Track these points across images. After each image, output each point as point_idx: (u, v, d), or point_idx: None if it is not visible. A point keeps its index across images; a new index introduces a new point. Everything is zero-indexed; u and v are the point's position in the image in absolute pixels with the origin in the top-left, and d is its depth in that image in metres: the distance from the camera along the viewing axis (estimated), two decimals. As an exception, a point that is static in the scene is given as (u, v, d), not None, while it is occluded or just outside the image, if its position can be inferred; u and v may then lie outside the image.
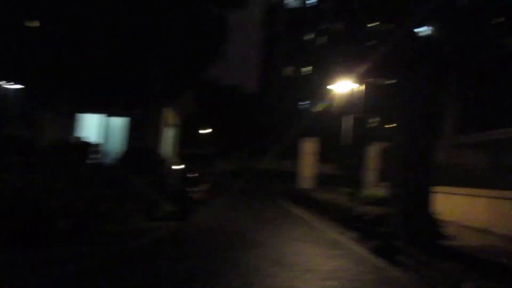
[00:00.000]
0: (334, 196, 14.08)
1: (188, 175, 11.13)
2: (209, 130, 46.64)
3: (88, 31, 10.23)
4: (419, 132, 8.74)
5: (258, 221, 11.13)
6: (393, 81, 12.32)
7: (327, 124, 41.87)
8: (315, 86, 52.52)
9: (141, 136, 11.40)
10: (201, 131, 48.94)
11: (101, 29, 10.28)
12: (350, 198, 12.77)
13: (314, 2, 60.32)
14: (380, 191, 16.41)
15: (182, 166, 12.95)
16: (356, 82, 12.73)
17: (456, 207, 11.67)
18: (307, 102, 56.72)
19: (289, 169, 30.80)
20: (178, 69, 11.75)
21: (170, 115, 14.03)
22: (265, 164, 42.35)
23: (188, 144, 45.19)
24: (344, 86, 13.05)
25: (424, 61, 8.98)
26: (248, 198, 18.07)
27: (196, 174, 12.73)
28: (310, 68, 57.80)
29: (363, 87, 12.31)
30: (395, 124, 9.35)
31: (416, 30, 9.49)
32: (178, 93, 12.52)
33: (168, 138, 15.78)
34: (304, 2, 61.11)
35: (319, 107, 35.13)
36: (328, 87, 12.93)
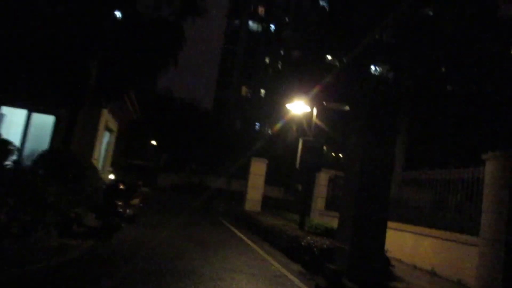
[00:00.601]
0: (281, 222, 13.04)
1: (121, 187, 9.63)
2: (155, 143, 44.77)
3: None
4: (376, 161, 7.91)
5: (196, 244, 9.81)
6: (345, 107, 11.66)
7: (280, 146, 41.48)
8: (269, 108, 52.37)
9: (68, 139, 9.84)
10: (150, 143, 46.95)
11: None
12: (298, 226, 11.76)
13: (274, 29, 60.98)
14: (328, 221, 15.69)
15: (113, 177, 11.40)
16: (308, 104, 11.90)
17: (404, 245, 11.05)
18: (261, 123, 56.41)
19: (238, 189, 29.65)
20: (122, 66, 10.38)
21: (108, 119, 12.50)
22: (214, 183, 40.89)
23: (131, 154, 43.05)
24: (298, 107, 12.16)
25: (377, 94, 8.32)
26: (190, 217, 16.63)
27: (132, 187, 11.16)
28: (264, 90, 57.94)
29: (314, 110, 11.47)
30: (346, 152, 8.56)
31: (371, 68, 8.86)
32: (119, 93, 11.10)
33: (104, 144, 14.16)
34: (264, 27, 61.44)
35: (274, 127, 34.54)
36: (286, 105, 11.99)
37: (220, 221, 16.30)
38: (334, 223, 15.04)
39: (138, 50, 11.02)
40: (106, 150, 14.22)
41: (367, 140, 7.88)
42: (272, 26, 61.32)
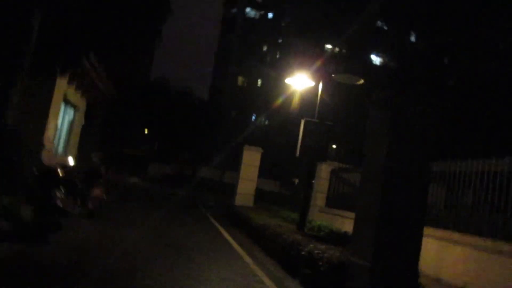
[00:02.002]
0: (276, 221, 10.69)
1: (62, 174, 7.24)
2: (148, 132, 42.27)
3: None
4: (407, 153, 5.59)
5: (167, 250, 7.49)
6: (359, 81, 9.25)
7: (276, 135, 39.05)
8: (266, 98, 49.88)
9: (1, 112, 7.44)
10: (142, 132, 44.44)
11: None
12: (296, 227, 9.41)
13: (272, 16, 58.34)
14: (330, 220, 13.35)
15: (72, 162, 8.99)
16: (312, 78, 9.50)
17: (425, 253, 8.72)
18: (257, 114, 53.95)
19: (231, 181, 27.33)
20: (80, 20, 7.96)
21: (68, 92, 10.06)
22: (207, 174, 38.53)
23: (121, 143, 40.58)
24: (300, 82, 9.75)
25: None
26: (172, 213, 14.24)
27: (92, 175, 8.78)
28: (261, 80, 55.40)
29: (320, 85, 9.09)
30: (366, 141, 6.20)
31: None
32: (75, 57, 8.66)
33: (66, 123, 11.70)
34: (262, 15, 58.79)
35: (276, 101, 31.94)
36: (286, 80, 9.58)
37: (206, 218, 13.95)
38: (337, 223, 12.74)
39: (103, 7, 8.58)
40: (69, 131, 11.78)
41: (396, 126, 5.54)
42: (270, 14, 58.64)
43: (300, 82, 9.99)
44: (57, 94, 9.44)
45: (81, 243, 6.83)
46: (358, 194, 6.45)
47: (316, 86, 9.87)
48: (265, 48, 58.04)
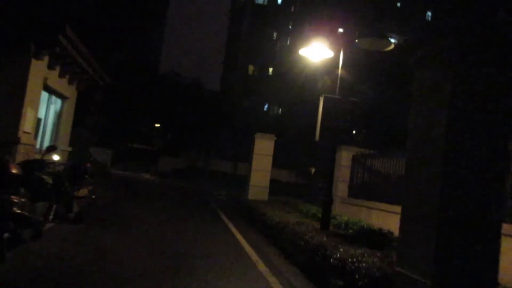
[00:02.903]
0: (295, 218, 9.13)
1: (13, 172, 5.80)
2: (159, 125, 40.95)
3: None
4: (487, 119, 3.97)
5: (170, 258, 6.02)
6: (390, 46, 7.56)
7: (290, 123, 37.31)
8: (278, 85, 48.13)
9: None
10: (153, 126, 43.23)
11: None
12: (320, 224, 7.83)
13: (280, 1, 56.33)
14: (354, 213, 11.77)
15: (57, 158, 7.55)
16: (331, 47, 7.87)
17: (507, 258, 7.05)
18: (269, 103, 52.29)
19: (244, 174, 25.88)
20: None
21: (49, 77, 8.59)
22: (219, 167, 37.09)
23: (131, 137, 39.46)
24: (317, 52, 8.11)
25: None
26: (178, 210, 12.79)
27: (78, 172, 7.33)
28: (272, 68, 53.60)
29: (340, 54, 7.46)
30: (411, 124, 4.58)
31: None
32: (51, 33, 7.17)
33: (52, 114, 10.25)
34: (271, 1, 56.79)
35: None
36: (300, 51, 7.93)
37: (216, 215, 12.45)
38: (363, 214, 11.14)
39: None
40: (57, 124, 10.34)
41: (458, 91, 3.92)
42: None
43: (316, 53, 8.35)
44: (35, 80, 7.98)
45: (46, 260, 5.37)
46: (403, 185, 4.85)
47: (336, 57, 8.24)
48: (275, 36, 56.10)
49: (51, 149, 7.11)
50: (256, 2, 56.96)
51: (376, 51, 8.08)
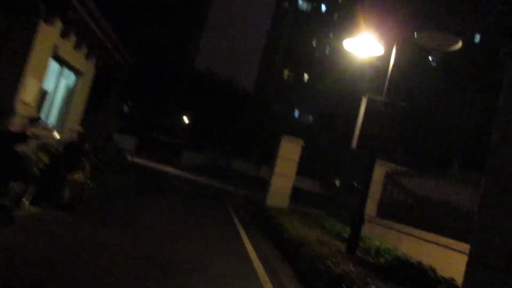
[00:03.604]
0: (316, 235, 7.84)
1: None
2: (187, 120, 40.25)
3: None
4: None
5: (159, 269, 4.91)
6: (457, 44, 6.18)
7: (319, 129, 35.76)
8: (311, 93, 46.73)
9: None
10: (181, 119, 42.62)
11: None
12: (346, 247, 6.51)
13: (325, 9, 54.90)
14: (383, 235, 10.37)
15: (57, 137, 6.59)
16: (382, 42, 6.57)
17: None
18: (301, 109, 50.93)
19: (266, 177, 24.67)
20: None
21: (60, 45, 7.64)
22: (242, 166, 36.02)
23: (157, 128, 38.89)
24: (364, 46, 6.83)
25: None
26: (189, 210, 11.68)
27: (71, 154, 6.31)
28: (307, 75, 52.23)
29: (393, 51, 6.15)
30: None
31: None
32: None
33: (62, 89, 9.31)
34: (314, 7, 55.43)
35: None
36: (345, 43, 6.66)
37: (229, 219, 11.27)
38: (392, 238, 9.71)
39: None
40: (68, 101, 9.39)
41: None
42: (323, 7, 55.23)
43: (363, 48, 7.06)
44: (42, 46, 7.03)
45: (16, 253, 4.30)
46: (475, 218, 3.51)
47: (386, 54, 6.92)
48: (314, 43, 54.72)
49: (34, 120, 6.10)
50: (299, 8, 55.77)
51: (438, 49, 6.72)
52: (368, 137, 6.48)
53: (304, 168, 19.30)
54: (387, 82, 6.62)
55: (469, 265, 3.40)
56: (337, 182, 36.33)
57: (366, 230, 11.96)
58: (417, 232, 9.16)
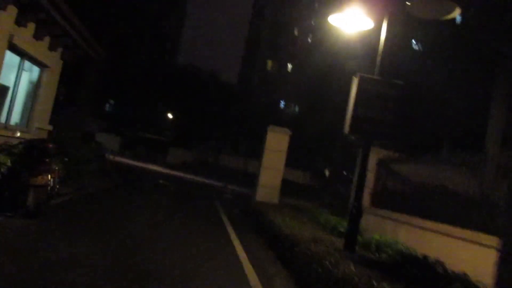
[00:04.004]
0: (311, 231, 7.21)
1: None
2: (171, 116, 39.26)
3: None
4: None
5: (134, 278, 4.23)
6: (455, 11, 5.55)
7: (305, 119, 35.13)
8: (296, 82, 46.08)
9: None
10: (165, 115, 41.65)
11: None
12: (344, 243, 5.88)
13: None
14: (379, 226, 9.82)
15: (17, 134, 5.83)
16: (370, 14, 5.93)
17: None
18: (286, 100, 50.30)
19: (255, 171, 24.00)
20: None
21: (18, 34, 6.81)
22: (230, 162, 35.30)
23: (141, 126, 37.89)
24: (352, 21, 6.17)
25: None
26: (172, 209, 10.95)
27: (35, 153, 5.53)
28: (291, 64, 51.57)
29: (383, 24, 5.51)
30: None
31: None
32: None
33: (26, 84, 8.45)
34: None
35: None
36: (331, 19, 5.95)
37: (217, 217, 10.57)
38: (388, 228, 9.21)
39: None
40: (33, 96, 8.55)
41: None
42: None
43: (351, 22, 6.38)
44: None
45: None
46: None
47: (376, 28, 6.27)
48: (296, 32, 53.96)
49: None
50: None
51: (434, 19, 6.09)
52: (362, 120, 5.83)
53: (293, 159, 18.70)
54: (378, 58, 5.96)
55: (500, 261, 2.78)
56: (327, 172, 35.87)
57: (363, 221, 11.46)
58: (416, 220, 8.62)
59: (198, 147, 36.66)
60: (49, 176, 6.06)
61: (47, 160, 6.02)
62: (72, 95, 10.35)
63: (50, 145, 6.14)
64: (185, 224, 8.72)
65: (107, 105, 44.22)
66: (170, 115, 39.81)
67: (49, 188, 6.10)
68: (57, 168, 6.57)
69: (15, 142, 6.56)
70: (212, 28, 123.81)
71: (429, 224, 8.06)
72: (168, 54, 47.52)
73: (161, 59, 42.38)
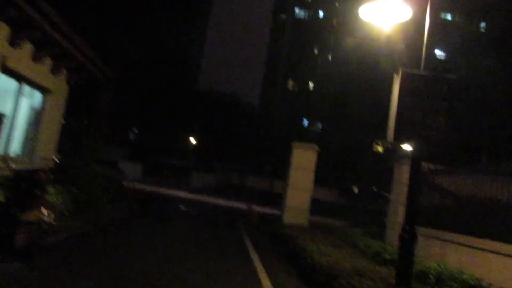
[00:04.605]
0: (349, 260, 6.07)
1: None
2: (194, 140, 38.70)
3: None
4: None
5: None
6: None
7: (331, 134, 33.89)
8: (319, 99, 45.05)
9: None
10: (188, 140, 41.22)
11: None
12: (396, 276, 4.74)
13: (322, 15, 53.55)
14: (427, 248, 8.55)
15: (14, 167, 4.98)
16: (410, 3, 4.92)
17: None
18: (310, 119, 49.21)
19: (281, 191, 22.89)
20: None
21: (21, 61, 6.10)
22: (255, 183, 34.25)
23: (162, 152, 37.45)
24: (387, 13, 5.14)
25: None
26: (196, 241, 9.89)
27: (25, 186, 4.65)
28: (312, 83, 50.69)
29: (427, 12, 4.42)
30: None
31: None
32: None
33: (26, 110, 7.73)
34: (312, 14, 54.10)
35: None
36: (361, 11, 4.95)
37: (242, 245, 9.48)
38: (434, 250, 7.98)
39: None
40: (35, 124, 7.82)
41: None
42: (321, 13, 53.92)
43: (387, 13, 5.38)
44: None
45: None
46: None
47: (419, 17, 5.25)
48: (316, 51, 53.22)
49: None
50: (297, 17, 54.52)
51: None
52: (408, 125, 4.76)
53: (319, 177, 17.61)
54: (424, 49, 4.93)
55: None
56: (355, 189, 34.35)
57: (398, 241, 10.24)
58: (469, 240, 7.38)
59: (221, 170, 35.79)
60: (43, 210, 5.18)
61: (38, 192, 5.16)
62: (82, 121, 9.67)
63: (42, 175, 5.29)
64: (206, 259, 7.67)
65: (131, 134, 44.28)
66: (193, 140, 39.28)
67: (45, 224, 5.21)
68: (56, 199, 5.70)
69: (8, 174, 5.75)
70: (232, 51, 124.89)
71: (487, 244, 6.82)
72: (189, 80, 47.48)
73: (182, 85, 42.26)
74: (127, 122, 37.24)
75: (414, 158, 5.08)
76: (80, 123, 9.53)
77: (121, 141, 37.47)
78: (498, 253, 6.60)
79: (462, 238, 7.56)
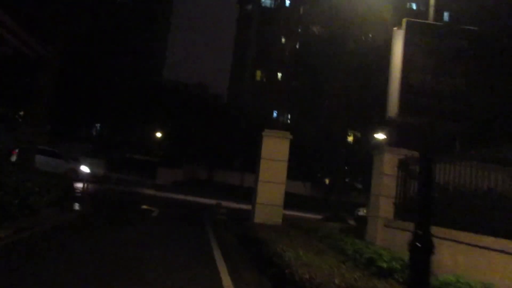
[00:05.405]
0: (336, 268, 4.81)
1: None
2: (160, 134, 36.82)
3: None
4: None
5: None
6: None
7: (300, 126, 32.87)
8: (287, 89, 44.03)
9: None
10: (154, 135, 39.26)
11: None
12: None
13: (288, 4, 52.47)
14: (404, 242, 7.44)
15: None
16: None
17: None
18: (279, 109, 48.21)
19: (252, 185, 21.62)
20: None
21: None
22: (224, 177, 32.87)
23: (128, 147, 35.50)
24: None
25: None
26: (149, 245, 8.44)
27: None
28: (281, 73, 49.64)
29: None
30: None
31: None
32: None
33: None
34: (278, 3, 52.92)
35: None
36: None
37: (208, 249, 8.09)
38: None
39: None
40: None
41: None
42: (287, 1, 52.89)
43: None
44: None
45: None
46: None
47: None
48: (283, 40, 52.11)
49: None
50: (263, 5, 53.20)
51: None
52: (418, 93, 3.51)
53: (291, 169, 16.52)
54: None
55: None
56: (327, 181, 33.60)
57: (385, 237, 9.22)
58: (461, 235, 6.45)
59: (189, 165, 34.14)
60: None
61: None
62: (15, 109, 8.02)
63: None
64: (164, 271, 6.23)
65: (94, 129, 41.89)
66: (158, 134, 37.35)
67: None
68: None
69: None
70: (199, 42, 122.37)
71: (487, 241, 5.85)
72: (153, 72, 45.39)
73: (146, 77, 40.20)
74: (88, 117, 35.04)
75: (422, 141, 3.83)
76: (11, 110, 7.85)
77: (84, 137, 35.25)
78: (505, 252, 5.61)
79: (461, 235, 6.56)
